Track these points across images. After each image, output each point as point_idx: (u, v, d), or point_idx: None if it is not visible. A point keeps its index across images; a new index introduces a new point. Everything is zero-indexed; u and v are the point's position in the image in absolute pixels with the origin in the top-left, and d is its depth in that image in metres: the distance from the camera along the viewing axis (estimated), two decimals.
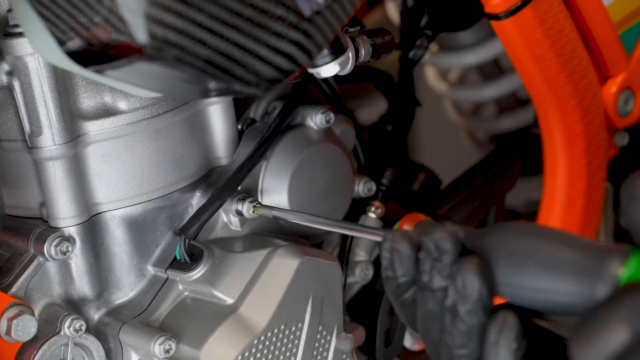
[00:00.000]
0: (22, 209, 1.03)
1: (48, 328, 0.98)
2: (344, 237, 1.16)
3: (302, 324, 1.02)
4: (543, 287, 0.73)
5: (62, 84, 0.96)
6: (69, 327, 0.98)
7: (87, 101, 0.98)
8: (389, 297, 0.81)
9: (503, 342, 0.73)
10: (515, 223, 0.77)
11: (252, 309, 0.99)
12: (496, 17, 1.05)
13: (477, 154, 1.58)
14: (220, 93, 0.79)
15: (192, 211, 1.04)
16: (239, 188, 1.04)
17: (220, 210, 1.04)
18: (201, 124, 1.05)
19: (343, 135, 1.14)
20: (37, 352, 0.97)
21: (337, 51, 0.93)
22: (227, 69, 0.76)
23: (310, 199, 1.09)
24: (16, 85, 0.95)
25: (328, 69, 0.93)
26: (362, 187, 1.17)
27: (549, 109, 1.14)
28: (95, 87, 0.98)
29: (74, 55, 0.78)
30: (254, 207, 1.03)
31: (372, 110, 1.46)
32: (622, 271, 0.70)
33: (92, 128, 0.98)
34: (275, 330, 1.00)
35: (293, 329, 1.01)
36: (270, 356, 1.00)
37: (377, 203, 1.18)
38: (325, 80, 1.16)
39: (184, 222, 1.03)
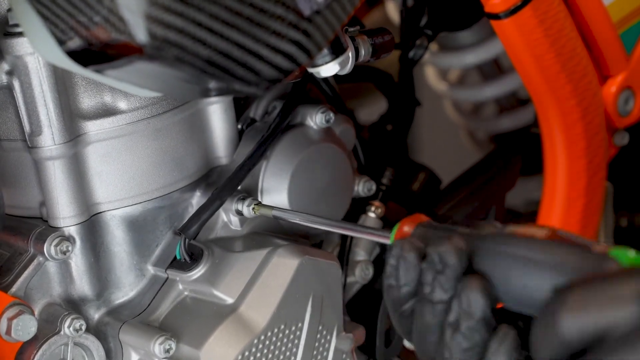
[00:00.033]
0: (22, 208, 1.02)
1: (48, 328, 0.98)
2: (344, 237, 1.16)
3: (302, 324, 1.02)
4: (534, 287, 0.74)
5: (62, 83, 0.96)
6: (69, 327, 0.98)
7: (87, 101, 0.98)
8: (387, 305, 0.81)
9: (503, 350, 0.74)
10: (510, 228, 0.78)
11: (252, 308, 0.99)
12: (496, 16, 1.05)
13: (477, 153, 1.58)
14: (220, 92, 0.79)
15: (192, 211, 1.04)
16: (239, 188, 1.04)
17: (220, 209, 1.04)
18: (201, 123, 1.05)
19: (343, 135, 1.14)
20: (37, 351, 0.97)
21: (337, 51, 0.93)
22: (227, 68, 0.76)
23: (310, 198, 1.09)
24: (16, 84, 0.95)
25: (328, 69, 0.93)
26: (362, 187, 1.16)
27: (549, 108, 1.14)
28: (95, 86, 0.98)
29: (73, 55, 0.78)
30: (254, 206, 1.03)
31: (372, 109, 1.46)
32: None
33: (92, 128, 0.98)
34: (275, 330, 1.00)
35: (293, 328, 1.01)
36: (270, 356, 1.00)
37: (377, 203, 1.18)
38: (325, 79, 1.16)
39: (184, 222, 1.03)
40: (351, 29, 0.99)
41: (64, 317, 0.98)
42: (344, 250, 1.16)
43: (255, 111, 1.11)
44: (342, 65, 0.94)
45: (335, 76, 1.11)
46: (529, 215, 1.31)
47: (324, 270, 1.03)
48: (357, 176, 1.16)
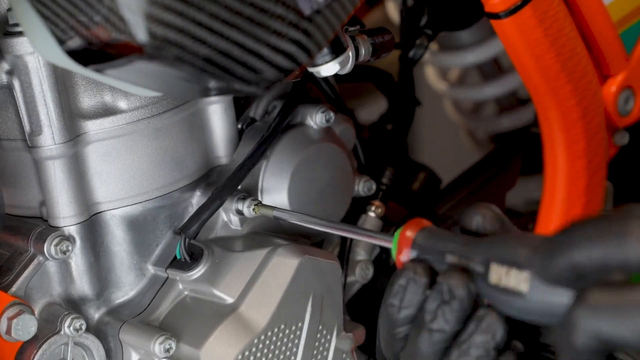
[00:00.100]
0: (22, 208, 1.02)
1: (48, 327, 0.98)
2: (344, 237, 1.16)
3: (302, 324, 1.02)
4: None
5: (62, 83, 0.96)
6: (69, 327, 0.98)
7: (87, 100, 0.98)
8: (380, 323, 0.81)
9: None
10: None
11: (252, 308, 0.99)
12: (496, 16, 1.05)
13: (477, 153, 1.58)
14: (220, 92, 0.79)
15: (192, 210, 1.04)
16: (239, 187, 1.04)
17: (221, 209, 1.04)
18: (201, 123, 1.05)
19: (343, 135, 1.14)
20: (37, 351, 0.97)
21: (337, 50, 0.93)
22: (227, 68, 0.76)
23: (310, 198, 1.09)
24: (16, 84, 0.95)
25: (328, 68, 0.93)
26: (362, 187, 1.16)
27: (548, 108, 1.14)
28: (95, 86, 0.98)
29: (73, 55, 0.78)
30: (255, 207, 1.03)
31: (372, 109, 1.46)
32: None
33: (92, 127, 0.98)
34: (275, 330, 1.00)
35: (293, 328, 1.01)
36: (270, 355, 1.00)
37: (377, 202, 1.18)
38: (325, 79, 1.16)
39: (184, 222, 1.03)
40: (351, 29, 0.99)
41: (64, 317, 0.98)
42: (344, 249, 1.16)
43: (255, 111, 1.11)
44: (342, 64, 0.94)
45: (336, 76, 1.11)
46: (529, 215, 1.30)
47: (324, 270, 1.03)
48: (357, 176, 1.16)
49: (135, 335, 1.00)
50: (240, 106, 1.11)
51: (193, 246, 1.02)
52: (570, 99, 1.12)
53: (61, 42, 0.78)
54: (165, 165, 1.02)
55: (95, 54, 0.77)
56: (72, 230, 0.99)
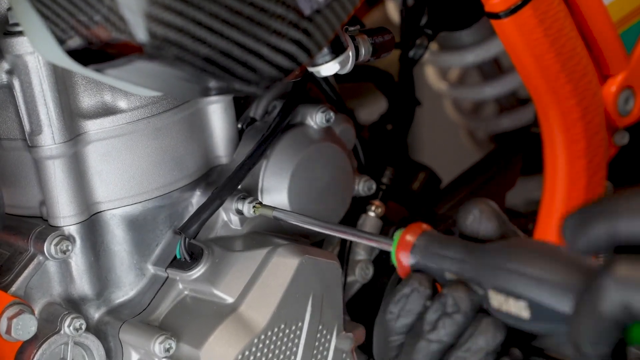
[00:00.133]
0: (22, 207, 1.02)
1: (48, 327, 0.98)
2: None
3: (302, 323, 1.02)
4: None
5: (62, 82, 0.96)
6: (69, 326, 0.98)
7: (87, 100, 0.98)
8: (376, 331, 0.81)
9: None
10: (506, 242, 0.78)
11: (252, 308, 0.99)
12: (496, 16, 1.05)
13: (477, 153, 1.58)
14: (220, 92, 0.79)
15: (192, 210, 1.04)
16: (239, 187, 1.04)
17: (220, 209, 1.04)
18: (201, 123, 1.05)
19: (343, 135, 1.14)
20: (37, 351, 0.97)
21: (337, 50, 0.93)
22: (227, 67, 0.76)
23: (310, 197, 1.09)
24: (16, 84, 0.95)
25: (328, 68, 0.93)
26: (362, 186, 1.16)
27: (548, 108, 1.14)
28: (95, 85, 0.98)
29: (73, 54, 0.78)
30: (255, 207, 1.03)
31: (372, 109, 1.46)
32: None
33: (92, 127, 0.98)
34: (275, 330, 1.00)
35: (293, 328, 1.01)
36: (270, 355, 1.00)
37: (377, 202, 1.18)
38: (326, 79, 1.16)
39: (184, 221, 1.02)
40: (351, 29, 0.99)
41: (64, 317, 0.98)
42: (344, 249, 1.16)
43: (256, 110, 1.11)
44: (342, 64, 0.94)
45: (336, 76, 1.11)
46: (529, 215, 1.30)
47: (324, 270, 1.03)
48: (357, 175, 1.16)
49: (135, 335, 1.00)
50: (240, 106, 1.11)
51: (193, 246, 1.02)
52: (570, 99, 1.12)
53: (61, 41, 0.78)
54: (165, 164, 1.02)
55: (95, 53, 0.77)
56: (72, 229, 0.99)
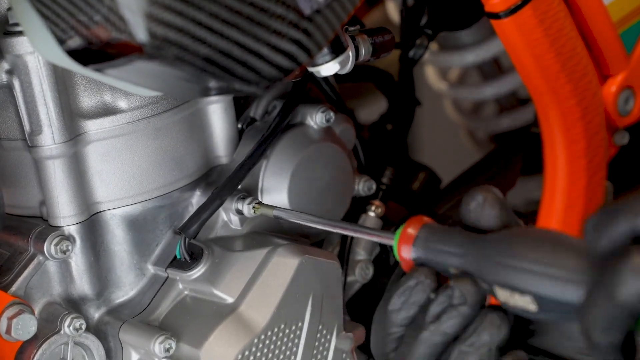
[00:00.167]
0: (22, 207, 1.02)
1: (48, 327, 0.98)
2: (344, 237, 1.16)
3: (302, 323, 1.02)
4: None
5: (62, 82, 0.96)
6: (69, 326, 0.98)
7: (87, 100, 0.98)
8: (376, 323, 0.81)
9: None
10: (509, 231, 0.78)
11: (252, 308, 0.99)
12: (496, 16, 1.05)
13: (477, 153, 1.58)
14: (220, 92, 0.79)
15: (192, 210, 1.04)
16: (239, 187, 1.04)
17: (221, 209, 1.04)
18: (201, 123, 1.05)
19: (343, 134, 1.14)
20: (37, 351, 0.97)
21: (337, 50, 0.93)
22: (227, 67, 0.76)
23: (310, 197, 1.09)
24: (16, 84, 0.95)
25: (328, 68, 0.93)
26: (362, 186, 1.16)
27: (548, 108, 1.14)
28: (95, 85, 0.98)
29: (73, 54, 0.78)
30: (255, 206, 1.03)
31: (372, 109, 1.46)
32: None
33: (92, 127, 0.98)
34: (275, 330, 1.00)
35: (293, 328, 1.01)
36: (270, 355, 1.00)
37: (377, 202, 1.18)
38: (326, 79, 1.16)
39: (184, 221, 1.02)
40: (351, 29, 0.99)
41: (64, 317, 0.98)
42: (344, 249, 1.16)
43: (256, 110, 1.11)
44: (342, 64, 0.94)
45: (336, 76, 1.11)
46: (529, 214, 1.30)
47: (324, 270, 1.03)
48: (357, 175, 1.16)
49: (135, 335, 1.00)
50: (240, 106, 1.11)
51: (193, 246, 1.02)
52: (570, 99, 1.12)
53: (61, 41, 0.78)
54: (165, 164, 1.02)
55: (95, 53, 0.77)
56: (72, 229, 0.99)
